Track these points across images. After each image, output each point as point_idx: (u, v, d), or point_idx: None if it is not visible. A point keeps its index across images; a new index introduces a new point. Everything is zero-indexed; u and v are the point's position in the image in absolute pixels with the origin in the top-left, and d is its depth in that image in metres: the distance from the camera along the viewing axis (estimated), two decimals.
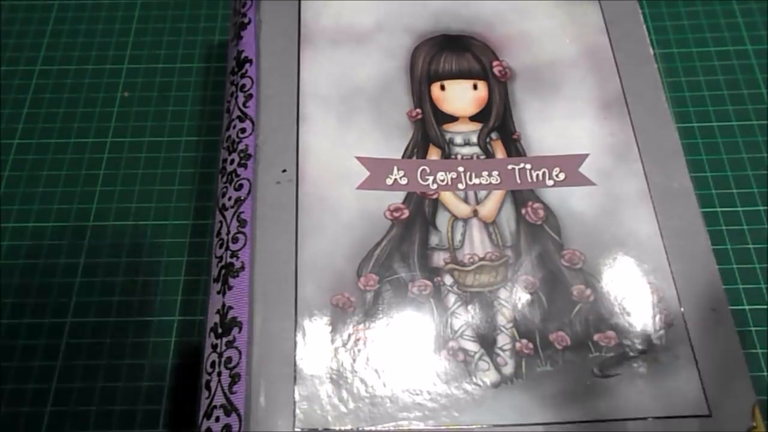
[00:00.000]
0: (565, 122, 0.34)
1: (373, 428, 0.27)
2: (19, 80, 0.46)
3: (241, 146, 0.32)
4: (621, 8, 0.38)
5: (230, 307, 0.29)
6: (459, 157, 0.33)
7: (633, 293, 0.30)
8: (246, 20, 0.36)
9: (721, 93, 0.45)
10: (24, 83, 0.46)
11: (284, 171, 0.31)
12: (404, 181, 0.32)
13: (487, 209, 0.32)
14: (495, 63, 0.36)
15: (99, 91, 0.46)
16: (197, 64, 0.47)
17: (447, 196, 0.32)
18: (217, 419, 0.27)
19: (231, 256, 0.30)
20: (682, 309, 0.30)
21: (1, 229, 0.41)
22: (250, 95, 0.33)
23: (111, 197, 0.42)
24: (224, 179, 0.33)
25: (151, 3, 0.50)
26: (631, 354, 0.29)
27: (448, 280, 0.30)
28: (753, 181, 0.42)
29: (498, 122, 0.34)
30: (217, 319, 0.29)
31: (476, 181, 0.32)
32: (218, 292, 0.30)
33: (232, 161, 0.32)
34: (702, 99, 0.45)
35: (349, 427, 0.27)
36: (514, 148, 0.33)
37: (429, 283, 0.30)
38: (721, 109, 0.45)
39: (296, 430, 0.27)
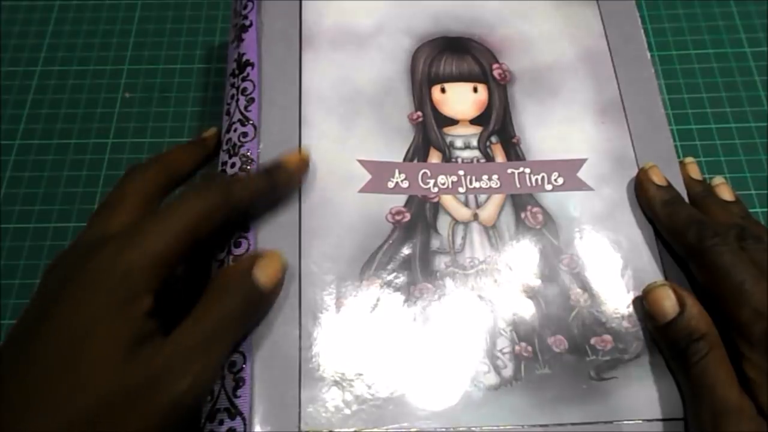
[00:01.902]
0: (563, 126, 0.34)
1: (376, 430, 0.27)
2: (20, 81, 0.46)
3: (242, 150, 0.32)
4: (619, 9, 0.38)
5: None
6: (459, 160, 0.33)
7: (629, 298, 0.30)
8: (247, 22, 0.36)
9: (719, 95, 0.46)
10: (25, 84, 0.46)
11: None
12: (405, 185, 0.32)
13: (488, 213, 0.32)
14: (495, 66, 0.36)
15: (100, 92, 0.46)
16: (198, 65, 0.47)
17: (448, 200, 0.32)
18: (221, 422, 0.27)
19: (233, 261, 0.30)
20: None
21: (3, 230, 0.41)
22: (252, 99, 0.33)
23: None
24: None
25: (151, 4, 0.50)
26: (627, 357, 0.29)
27: (449, 283, 0.30)
28: (751, 183, 0.42)
29: (498, 126, 0.34)
30: None
31: (476, 184, 0.33)
32: None
33: (233, 165, 0.32)
34: (700, 101, 0.45)
35: (353, 430, 0.27)
36: (514, 151, 0.34)
37: (430, 286, 0.30)
38: (719, 111, 0.45)
39: None
